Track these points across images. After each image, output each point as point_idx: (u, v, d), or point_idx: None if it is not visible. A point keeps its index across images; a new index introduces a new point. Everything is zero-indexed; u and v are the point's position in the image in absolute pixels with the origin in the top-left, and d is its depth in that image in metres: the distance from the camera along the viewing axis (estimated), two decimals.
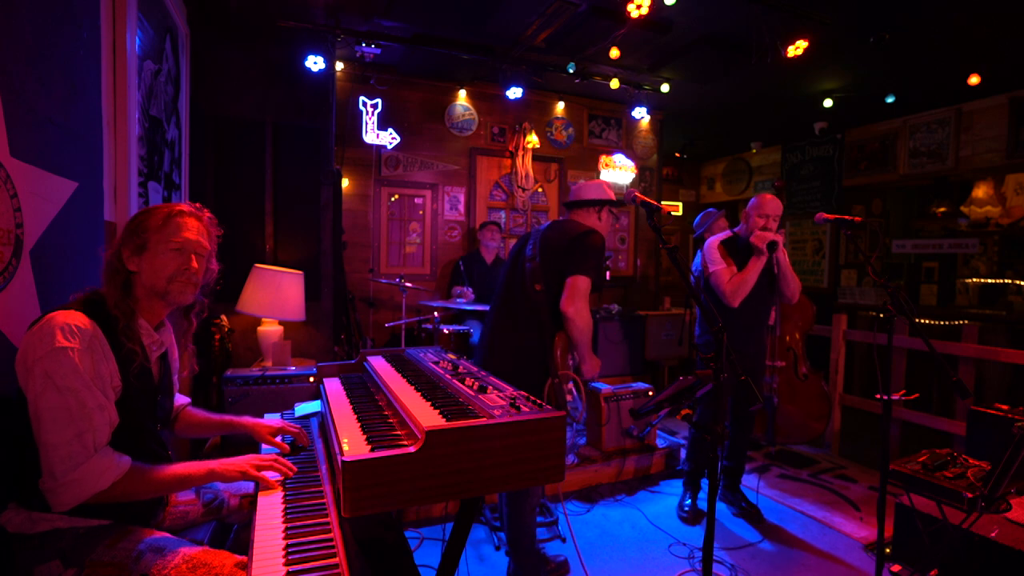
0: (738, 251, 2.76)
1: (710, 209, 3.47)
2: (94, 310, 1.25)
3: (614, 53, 3.95)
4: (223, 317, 3.19)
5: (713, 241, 2.82)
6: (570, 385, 2.31)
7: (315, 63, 3.60)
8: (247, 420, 1.65)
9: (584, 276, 2.10)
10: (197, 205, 1.44)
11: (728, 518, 2.97)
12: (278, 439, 1.63)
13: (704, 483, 3.12)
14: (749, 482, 3.29)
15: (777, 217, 2.74)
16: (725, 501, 3.06)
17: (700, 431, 2.92)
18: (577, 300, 2.08)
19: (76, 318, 1.20)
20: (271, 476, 1.37)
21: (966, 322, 4.10)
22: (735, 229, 2.90)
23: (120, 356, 1.26)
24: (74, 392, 1.15)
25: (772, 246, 2.63)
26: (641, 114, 5.21)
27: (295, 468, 1.42)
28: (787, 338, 3.25)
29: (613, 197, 2.36)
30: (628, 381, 3.75)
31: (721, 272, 2.72)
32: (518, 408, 1.30)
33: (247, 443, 1.68)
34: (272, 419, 1.69)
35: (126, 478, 1.20)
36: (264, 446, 1.63)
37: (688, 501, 2.99)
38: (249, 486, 1.52)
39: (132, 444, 1.28)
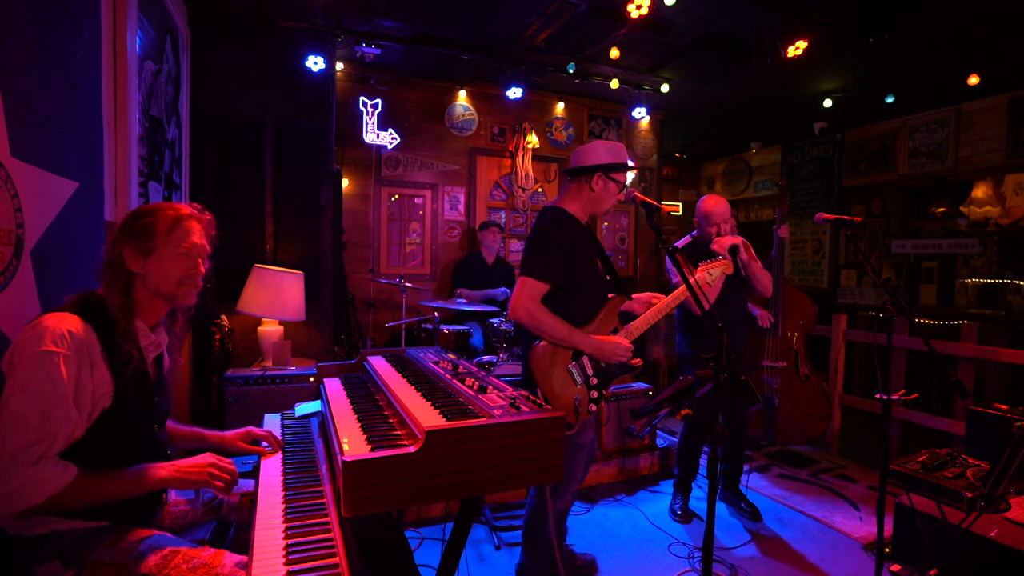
0: (700, 257, 2.69)
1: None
2: (89, 313, 1.24)
3: (614, 53, 3.95)
4: (223, 317, 3.20)
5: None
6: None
7: (315, 63, 3.60)
8: (214, 434, 1.62)
9: (524, 277, 1.94)
10: (197, 206, 1.44)
11: (727, 518, 2.98)
12: (263, 445, 1.63)
13: (695, 486, 3.11)
14: (748, 482, 3.29)
15: (727, 218, 2.71)
16: (725, 501, 3.07)
17: (700, 431, 2.92)
18: (517, 305, 1.92)
19: (69, 322, 1.18)
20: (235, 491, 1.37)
21: (965, 322, 4.10)
22: (693, 233, 2.88)
23: (115, 360, 1.25)
24: (44, 400, 1.12)
25: (734, 250, 2.58)
26: (641, 114, 5.21)
27: (235, 477, 1.39)
28: (788, 338, 3.25)
29: (609, 160, 2.03)
30: (628, 381, 3.75)
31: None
32: (518, 408, 1.31)
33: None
34: (241, 428, 1.66)
35: (67, 491, 1.14)
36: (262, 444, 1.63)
37: (679, 503, 2.99)
38: (249, 484, 1.52)
39: (125, 449, 1.27)
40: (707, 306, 1.55)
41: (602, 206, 2.09)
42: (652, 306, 2.16)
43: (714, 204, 2.73)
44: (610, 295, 2.10)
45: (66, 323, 1.18)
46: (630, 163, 2.10)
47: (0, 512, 1.12)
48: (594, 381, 2.01)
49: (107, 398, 1.24)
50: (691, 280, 1.62)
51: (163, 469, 1.30)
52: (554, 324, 1.93)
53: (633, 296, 2.22)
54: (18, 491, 1.10)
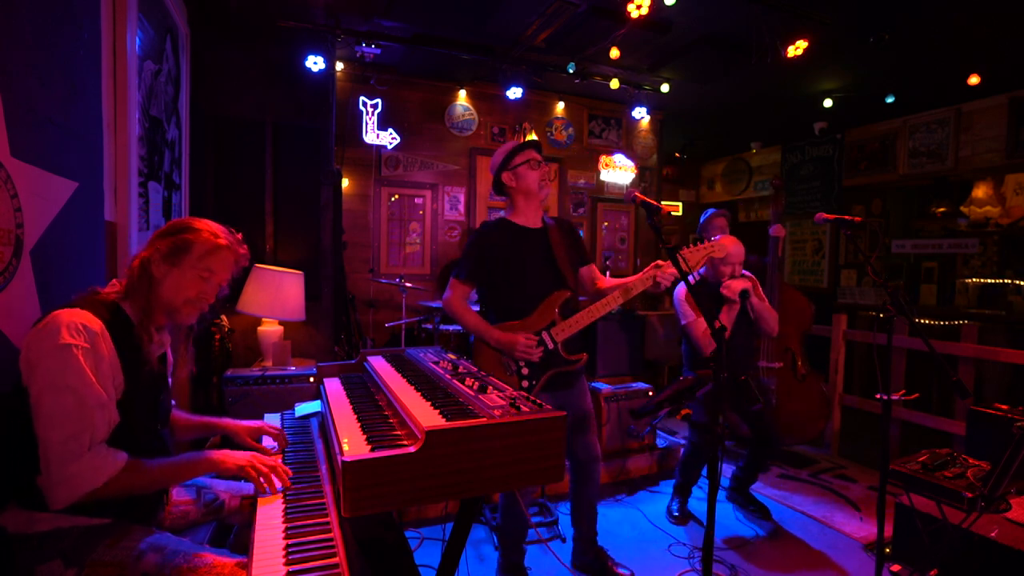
0: (710, 297, 2.71)
1: (710, 209, 3.46)
2: (101, 309, 1.26)
3: (614, 53, 3.95)
4: (223, 317, 3.19)
5: (681, 291, 2.75)
6: None
7: (315, 63, 3.60)
8: (226, 422, 1.65)
9: (452, 277, 2.21)
10: (238, 237, 1.47)
11: (728, 518, 2.98)
12: (267, 442, 1.64)
13: (694, 489, 3.09)
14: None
15: (742, 261, 2.71)
16: (734, 503, 3.06)
17: (700, 431, 2.91)
18: (445, 299, 2.20)
19: (82, 316, 1.20)
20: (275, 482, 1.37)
21: (966, 322, 4.10)
22: (700, 271, 2.84)
23: (125, 355, 1.27)
24: (74, 390, 1.15)
25: (744, 295, 2.59)
26: (641, 114, 5.21)
27: (291, 472, 1.42)
28: (784, 338, 3.24)
29: (499, 158, 2.17)
30: (628, 381, 3.75)
31: (692, 324, 2.69)
32: (518, 408, 1.30)
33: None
34: (254, 421, 1.69)
35: (122, 474, 1.20)
36: (266, 441, 1.64)
37: (676, 504, 2.98)
38: (249, 487, 1.52)
39: (133, 443, 1.28)
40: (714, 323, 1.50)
41: (533, 191, 2.17)
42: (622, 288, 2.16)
43: (732, 245, 2.68)
44: (554, 292, 2.16)
45: (79, 317, 1.20)
46: (521, 142, 2.18)
47: (62, 497, 1.16)
48: (525, 371, 2.10)
49: (119, 391, 1.26)
50: (691, 281, 1.61)
51: (211, 452, 1.37)
52: (469, 317, 2.15)
53: (607, 286, 2.24)
54: (78, 475, 1.15)
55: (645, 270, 2.11)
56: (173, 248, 1.35)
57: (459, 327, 3.85)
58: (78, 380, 1.16)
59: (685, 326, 2.75)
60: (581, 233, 2.26)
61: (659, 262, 2.10)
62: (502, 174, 2.17)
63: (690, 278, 2.75)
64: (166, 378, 1.50)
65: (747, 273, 2.76)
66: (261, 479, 1.35)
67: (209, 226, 1.42)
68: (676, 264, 1.65)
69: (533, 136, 5.11)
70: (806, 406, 3.26)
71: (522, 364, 2.10)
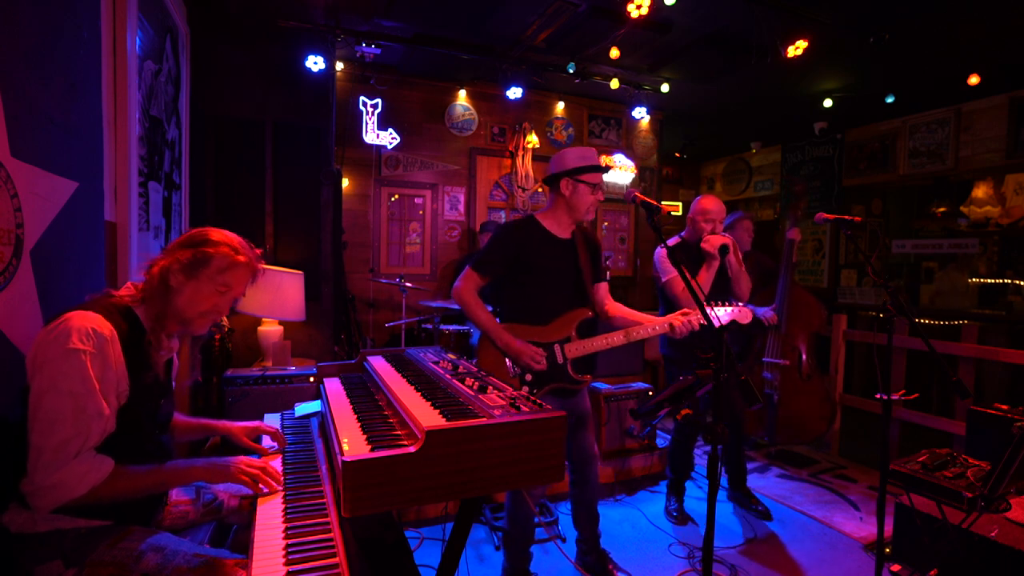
0: (689, 257, 2.73)
1: (737, 213, 3.45)
2: (114, 313, 1.26)
3: (614, 53, 3.95)
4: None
5: (662, 251, 2.76)
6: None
7: (315, 63, 3.60)
8: (223, 423, 1.66)
9: (468, 266, 2.16)
10: (257, 252, 1.46)
11: (728, 518, 2.98)
12: (266, 441, 1.64)
13: (688, 485, 3.09)
14: (748, 482, 3.29)
15: (722, 219, 2.74)
16: (735, 502, 3.06)
17: (690, 432, 2.90)
18: (456, 288, 2.14)
19: (94, 321, 1.20)
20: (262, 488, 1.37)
21: (966, 322, 4.10)
22: (681, 234, 2.88)
23: (134, 362, 1.26)
24: (75, 397, 1.14)
25: (723, 250, 2.60)
26: (641, 114, 5.21)
27: (281, 475, 1.42)
28: (792, 337, 3.24)
29: (575, 164, 2.12)
30: (628, 381, 3.75)
31: (674, 281, 2.67)
32: (518, 408, 1.30)
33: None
34: (252, 421, 1.70)
35: (107, 482, 1.19)
36: (266, 440, 1.64)
37: (674, 504, 2.98)
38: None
39: (134, 450, 1.28)
40: (713, 319, 1.53)
41: (579, 211, 2.16)
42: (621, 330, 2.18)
43: (711, 202, 2.74)
44: (576, 308, 2.19)
45: (91, 321, 1.19)
46: (599, 163, 2.15)
47: (44, 504, 1.15)
48: (528, 378, 2.10)
49: (124, 396, 1.25)
50: (687, 276, 1.61)
51: (199, 462, 1.36)
52: (480, 313, 2.11)
53: (617, 315, 2.26)
54: (62, 483, 1.14)
55: (670, 316, 2.13)
56: (192, 260, 1.34)
57: (460, 327, 3.86)
58: (81, 387, 1.15)
59: (666, 283, 2.72)
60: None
61: (687, 311, 2.12)
62: (563, 178, 2.15)
63: (669, 241, 2.79)
64: (171, 384, 1.50)
65: (726, 235, 2.76)
66: (256, 482, 1.35)
67: (229, 239, 1.40)
68: (675, 264, 1.65)
69: (534, 137, 5.10)
70: (809, 406, 3.26)
71: (523, 371, 2.10)
